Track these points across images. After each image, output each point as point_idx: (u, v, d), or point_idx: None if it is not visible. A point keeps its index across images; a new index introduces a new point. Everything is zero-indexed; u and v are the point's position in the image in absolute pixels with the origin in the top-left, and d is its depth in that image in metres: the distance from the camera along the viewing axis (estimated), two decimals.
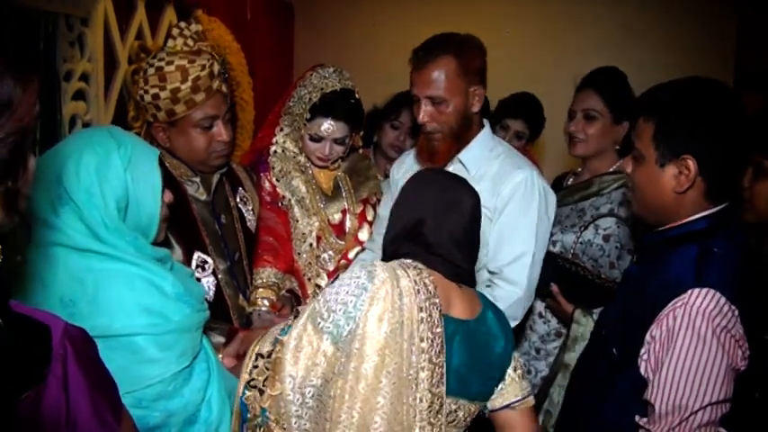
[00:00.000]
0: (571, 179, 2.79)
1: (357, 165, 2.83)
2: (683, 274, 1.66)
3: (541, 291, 2.47)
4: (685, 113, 1.72)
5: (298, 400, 1.55)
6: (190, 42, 2.25)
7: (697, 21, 4.44)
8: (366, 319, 1.52)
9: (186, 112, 2.21)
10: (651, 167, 1.76)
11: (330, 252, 2.66)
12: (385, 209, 2.65)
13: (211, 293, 2.29)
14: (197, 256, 2.27)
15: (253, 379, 1.62)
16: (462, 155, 2.42)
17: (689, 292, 1.60)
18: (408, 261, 1.67)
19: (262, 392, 1.60)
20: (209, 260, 2.27)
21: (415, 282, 1.59)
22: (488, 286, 2.30)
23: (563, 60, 4.47)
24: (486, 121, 2.49)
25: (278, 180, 2.61)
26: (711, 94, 1.74)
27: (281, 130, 2.65)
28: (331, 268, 2.68)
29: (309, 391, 1.55)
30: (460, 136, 2.38)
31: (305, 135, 2.57)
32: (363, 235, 2.75)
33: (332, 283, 1.65)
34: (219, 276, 2.32)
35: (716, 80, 1.78)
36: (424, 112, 2.33)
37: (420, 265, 1.66)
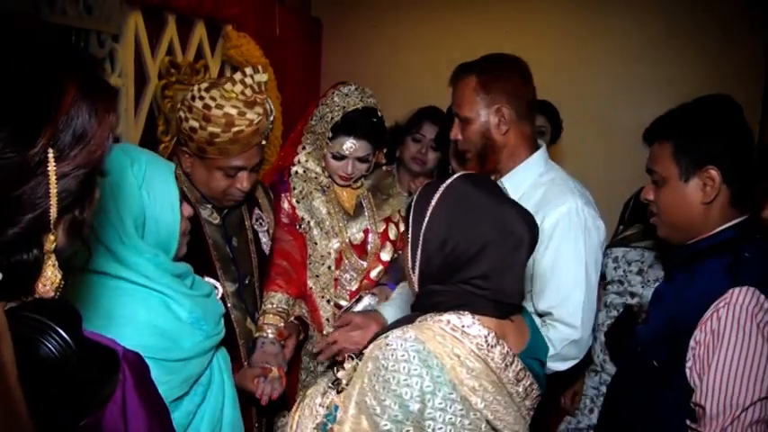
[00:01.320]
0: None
1: (381, 182, 2.80)
2: (719, 279, 1.68)
3: (612, 347, 2.45)
4: (701, 127, 1.77)
5: None
6: (248, 92, 2.13)
7: (726, 35, 4.38)
8: (425, 408, 1.41)
9: (217, 156, 2.15)
10: (675, 185, 1.79)
11: (352, 272, 2.63)
12: None
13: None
14: (207, 280, 2.23)
15: None
16: (507, 177, 2.32)
17: (730, 291, 1.62)
18: (453, 319, 1.49)
19: None
20: (219, 286, 2.24)
21: (473, 351, 1.45)
22: (543, 325, 2.18)
23: (591, 80, 4.46)
24: (542, 143, 2.39)
25: (298, 201, 2.59)
26: (721, 106, 1.81)
27: (304, 148, 2.63)
28: (353, 288, 2.65)
29: None
30: (485, 157, 2.31)
31: (327, 154, 2.54)
32: (386, 255, 2.70)
33: (375, 355, 1.48)
34: (228, 300, 2.29)
35: (719, 94, 1.83)
36: (455, 128, 2.35)
37: (467, 320, 1.49)
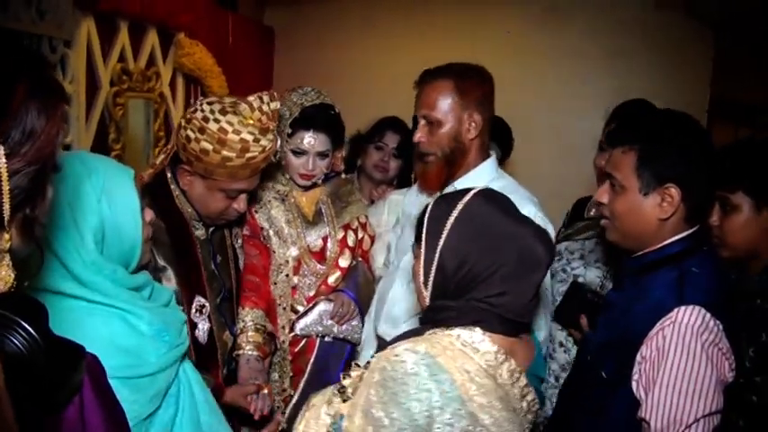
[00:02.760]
0: (594, 210, 2.80)
1: (340, 189, 2.83)
2: (667, 296, 1.70)
3: (566, 321, 2.48)
4: (667, 143, 1.77)
5: None
6: (263, 119, 2.15)
7: (674, 52, 4.54)
8: (433, 422, 1.41)
9: (224, 179, 2.16)
10: (633, 197, 1.79)
11: (311, 277, 2.66)
12: (394, 238, 2.66)
13: (205, 336, 2.27)
14: (197, 300, 2.25)
15: None
16: (459, 182, 2.34)
17: (675, 310, 1.64)
18: (464, 334, 1.50)
19: None
20: (207, 304, 2.26)
21: (482, 367, 1.47)
22: None
23: (543, 90, 4.55)
24: (492, 152, 2.46)
25: (256, 211, 2.62)
26: (687, 125, 1.82)
27: None
28: (311, 294, 2.68)
29: None
30: (453, 161, 2.34)
31: (287, 152, 2.58)
32: (344, 261, 2.74)
33: (381, 366, 1.47)
34: (212, 315, 2.30)
35: (682, 112, 1.86)
36: (419, 131, 2.35)
37: (478, 336, 1.50)
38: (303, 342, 2.68)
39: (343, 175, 2.88)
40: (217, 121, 2.08)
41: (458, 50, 4.28)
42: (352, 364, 1.68)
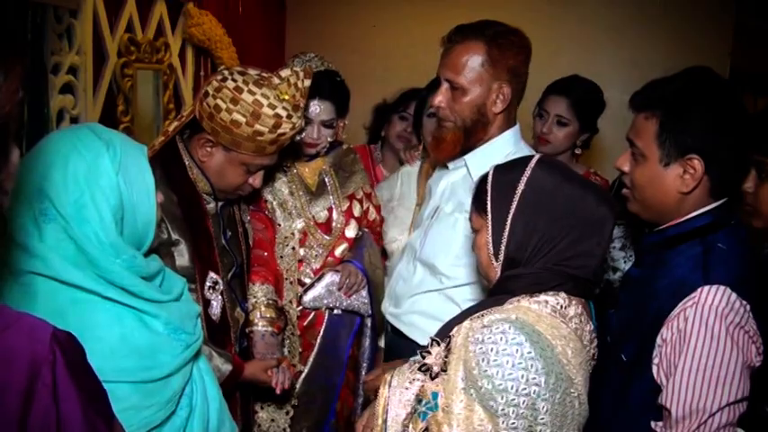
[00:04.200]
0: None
1: (342, 159, 2.79)
2: (690, 274, 1.61)
3: None
4: (690, 111, 1.65)
5: None
6: (297, 96, 2.12)
7: (693, 21, 4.42)
8: (547, 390, 1.41)
9: (250, 153, 2.11)
10: (653, 167, 1.69)
11: (317, 249, 2.64)
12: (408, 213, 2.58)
13: (218, 313, 2.23)
14: (210, 276, 2.21)
15: None
16: (471, 156, 2.23)
17: (699, 290, 1.55)
18: (551, 300, 1.52)
19: None
20: (220, 280, 2.21)
21: (572, 330, 1.50)
22: None
23: (557, 61, 4.45)
24: (516, 124, 2.27)
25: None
26: (714, 90, 1.69)
27: None
28: (318, 266, 2.66)
29: None
30: (471, 132, 2.17)
31: None
32: (350, 232, 2.72)
33: (477, 338, 1.46)
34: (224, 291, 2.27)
35: (713, 72, 1.73)
36: (441, 95, 2.16)
37: (563, 300, 1.53)
38: (312, 315, 2.66)
39: (344, 145, 2.83)
40: (252, 93, 2.02)
41: (472, 19, 4.23)
42: (430, 340, 1.62)
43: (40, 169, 1.38)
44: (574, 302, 1.54)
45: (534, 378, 1.40)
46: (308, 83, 2.14)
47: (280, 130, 2.06)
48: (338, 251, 2.69)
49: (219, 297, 2.23)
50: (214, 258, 2.23)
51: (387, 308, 2.47)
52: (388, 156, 3.40)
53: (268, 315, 2.40)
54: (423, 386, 1.55)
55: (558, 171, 1.62)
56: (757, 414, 1.73)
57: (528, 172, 1.59)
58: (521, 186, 1.57)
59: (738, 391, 1.51)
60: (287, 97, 2.07)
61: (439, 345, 1.58)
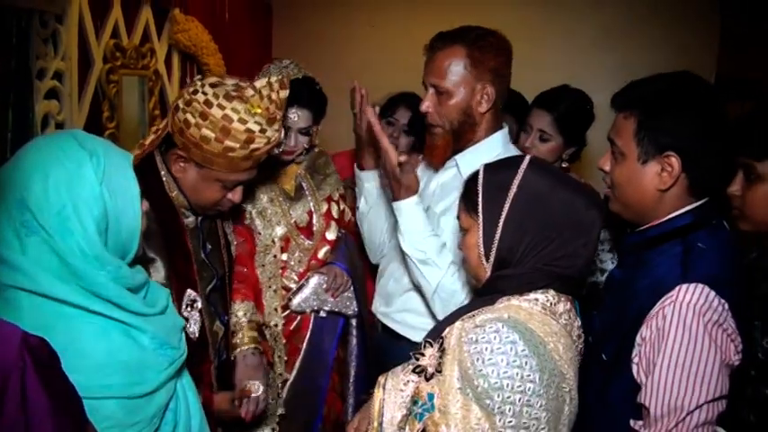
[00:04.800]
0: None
1: (315, 162, 2.79)
2: (669, 272, 1.62)
3: None
4: (668, 110, 1.68)
5: None
6: (271, 108, 2.00)
7: (679, 26, 4.46)
8: (542, 386, 1.43)
9: (223, 170, 2.01)
10: (632, 165, 1.71)
11: (300, 254, 2.65)
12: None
13: (196, 330, 2.16)
14: (188, 293, 2.13)
15: None
16: (461, 156, 2.27)
17: (677, 288, 1.56)
18: (541, 298, 1.55)
19: None
20: (198, 297, 2.15)
21: (562, 327, 1.53)
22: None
23: (543, 70, 4.47)
24: (505, 125, 2.33)
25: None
26: (693, 90, 1.72)
27: None
28: (302, 270, 2.67)
29: None
30: (460, 134, 2.22)
31: None
32: (331, 234, 2.74)
33: (471, 338, 1.47)
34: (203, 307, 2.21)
35: (695, 75, 1.75)
36: (427, 100, 2.22)
37: (553, 298, 1.56)
38: (297, 319, 2.67)
39: (316, 149, 2.83)
40: (221, 107, 1.90)
41: (458, 25, 4.23)
42: (423, 341, 1.63)
43: (21, 179, 1.33)
44: (562, 299, 1.56)
45: (529, 375, 1.41)
46: (284, 94, 2.05)
47: (253, 146, 1.96)
48: (320, 254, 2.71)
49: (197, 315, 2.16)
50: (192, 275, 2.16)
51: (377, 307, 2.48)
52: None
53: (249, 335, 2.37)
54: (418, 387, 1.55)
55: (550, 174, 1.64)
56: (738, 415, 1.74)
57: (520, 173, 1.60)
58: (513, 188, 1.58)
59: (717, 388, 1.52)
60: (259, 111, 1.96)
61: (432, 346, 1.58)
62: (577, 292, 1.65)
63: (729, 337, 1.55)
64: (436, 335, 1.61)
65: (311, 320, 2.69)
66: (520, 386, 1.41)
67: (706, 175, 1.69)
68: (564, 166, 2.95)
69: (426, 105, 2.22)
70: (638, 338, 1.62)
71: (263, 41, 4.99)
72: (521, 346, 1.43)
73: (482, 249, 1.62)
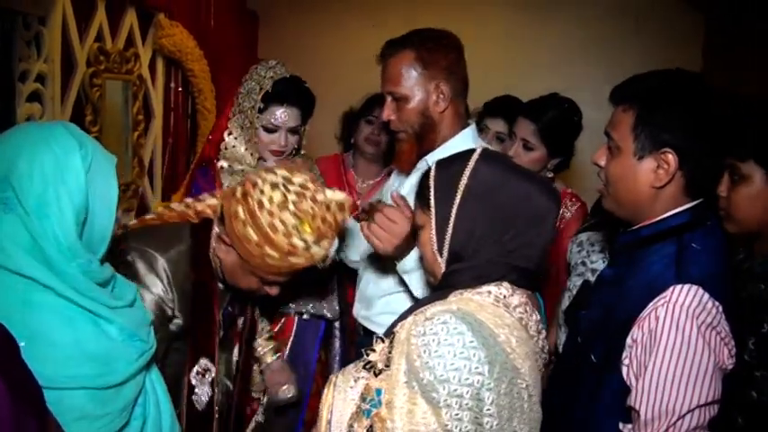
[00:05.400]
0: None
1: (301, 167, 2.75)
2: (662, 273, 1.58)
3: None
4: (668, 105, 1.64)
5: None
6: (323, 228, 1.87)
7: (665, 40, 4.49)
8: (491, 379, 1.39)
9: (259, 270, 1.91)
10: (628, 160, 1.67)
11: None
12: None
13: (203, 405, 2.07)
14: (201, 362, 2.05)
15: None
16: (431, 156, 2.21)
17: (670, 289, 1.52)
18: (494, 290, 1.51)
19: None
20: (212, 368, 2.07)
21: (516, 320, 1.48)
22: None
23: (530, 76, 4.49)
24: (471, 122, 2.34)
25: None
26: (694, 87, 1.68)
27: (230, 133, 2.55)
28: None
29: None
30: (423, 136, 2.21)
31: (258, 128, 2.49)
32: None
33: (419, 331, 1.43)
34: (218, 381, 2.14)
35: (695, 73, 1.73)
36: (387, 108, 2.23)
37: (507, 290, 1.51)
38: (282, 322, 2.65)
39: (302, 151, 2.80)
40: (271, 214, 1.80)
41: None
42: (374, 338, 1.59)
43: (7, 157, 1.32)
44: (518, 293, 1.52)
45: (477, 367, 1.37)
46: (341, 216, 1.93)
47: (293, 259, 1.85)
48: None
49: (208, 386, 2.07)
50: (211, 345, 2.07)
51: (358, 311, 2.47)
52: (359, 161, 3.39)
53: (271, 345, 2.43)
54: (367, 384, 1.50)
55: (501, 164, 1.61)
56: (731, 419, 1.72)
57: (471, 165, 1.57)
58: (464, 181, 1.56)
59: (710, 393, 1.49)
60: (308, 231, 1.84)
61: (383, 342, 1.55)
62: (534, 285, 1.62)
63: (723, 341, 1.53)
64: (390, 331, 1.57)
65: (294, 323, 2.67)
66: (468, 378, 1.37)
67: (702, 175, 1.67)
68: (549, 176, 2.93)
69: (387, 114, 2.23)
70: (628, 340, 1.58)
71: (248, 47, 4.96)
72: (468, 337, 1.38)
73: (435, 245, 1.59)
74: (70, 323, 1.33)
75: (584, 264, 2.56)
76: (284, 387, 2.40)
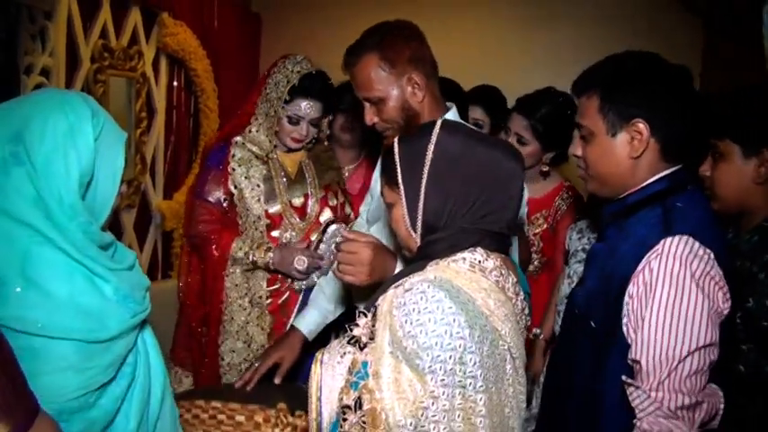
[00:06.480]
0: None
1: (321, 154, 2.89)
2: (651, 231, 1.63)
3: None
4: (628, 79, 1.73)
5: None
6: None
7: (663, 43, 4.49)
8: (473, 342, 1.41)
9: None
10: (602, 140, 1.74)
11: (292, 233, 2.69)
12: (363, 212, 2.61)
13: None
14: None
15: None
16: None
17: (662, 241, 1.58)
18: (468, 256, 1.52)
19: None
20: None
21: (493, 283, 1.51)
22: None
23: (527, 75, 4.53)
24: (452, 105, 2.30)
25: (239, 165, 2.65)
26: (646, 59, 1.76)
27: (256, 119, 2.67)
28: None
29: None
30: (409, 128, 2.15)
31: (282, 118, 2.61)
32: (324, 218, 2.79)
33: (400, 302, 1.46)
34: None
35: (650, 52, 1.79)
36: (368, 114, 2.21)
37: (480, 255, 1.53)
38: (286, 295, 2.69)
39: (326, 142, 2.92)
40: None
41: (444, 28, 4.27)
42: (357, 312, 1.61)
43: (21, 116, 1.38)
44: (492, 257, 1.54)
45: (458, 332, 1.40)
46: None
47: None
48: (313, 236, 2.73)
49: None
50: None
51: (358, 303, 2.47)
52: (337, 150, 3.35)
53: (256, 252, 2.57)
54: (354, 358, 1.53)
55: (464, 134, 1.63)
56: (734, 371, 1.77)
57: (434, 138, 1.59)
58: (429, 154, 1.57)
59: (707, 335, 1.53)
60: None
61: (366, 316, 1.56)
62: (506, 248, 1.65)
63: (717, 285, 1.57)
64: (372, 305, 1.59)
65: (300, 296, 2.71)
66: (450, 344, 1.39)
67: (675, 137, 1.72)
68: (544, 170, 2.99)
69: (369, 119, 2.22)
70: (625, 298, 1.62)
71: (251, 48, 5.01)
72: (447, 303, 1.41)
73: (408, 221, 1.61)
74: (66, 276, 1.36)
75: (584, 250, 2.58)
76: (295, 260, 2.54)
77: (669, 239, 1.57)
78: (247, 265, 2.58)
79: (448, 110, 2.25)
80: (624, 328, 1.62)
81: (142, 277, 1.61)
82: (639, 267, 1.59)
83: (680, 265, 1.54)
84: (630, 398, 1.57)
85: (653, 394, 1.52)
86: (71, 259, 1.38)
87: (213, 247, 2.60)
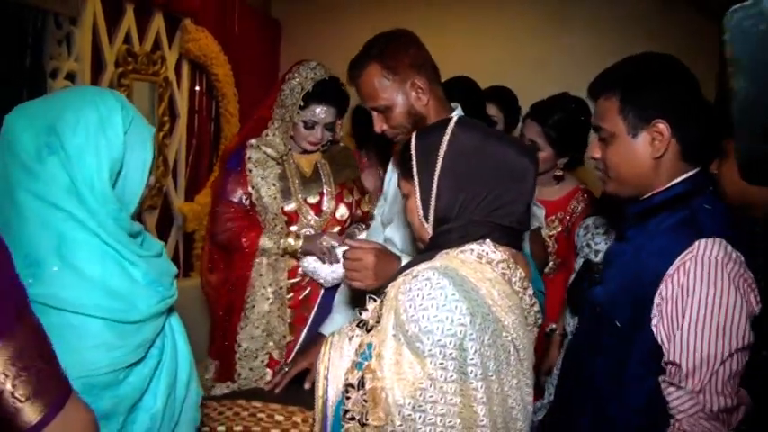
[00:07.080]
0: None
1: (337, 154, 2.95)
2: (680, 232, 1.64)
3: (577, 301, 2.48)
4: (647, 80, 1.74)
5: (410, 428, 1.46)
6: None
7: (681, 44, 4.49)
8: (474, 330, 1.44)
9: None
10: (623, 141, 1.75)
11: (309, 230, 2.75)
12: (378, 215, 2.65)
13: None
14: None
15: (348, 410, 1.52)
16: None
17: (696, 243, 1.58)
18: (476, 247, 1.55)
19: (363, 424, 1.50)
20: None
21: (499, 274, 1.53)
22: None
23: (542, 79, 4.55)
24: (457, 105, 2.32)
25: (255, 167, 2.72)
26: (667, 61, 1.78)
27: (273, 123, 2.74)
28: None
29: (420, 416, 1.45)
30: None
31: (298, 123, 2.68)
32: (340, 214, 2.85)
33: (406, 288, 1.50)
34: None
35: (667, 54, 1.81)
36: (377, 122, 2.26)
37: (489, 247, 1.56)
38: (308, 290, 2.76)
39: (341, 143, 3.00)
40: None
41: (461, 37, 4.31)
42: (367, 297, 1.65)
43: (55, 109, 1.45)
44: (500, 249, 1.57)
45: (460, 318, 1.43)
46: None
47: None
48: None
49: None
50: None
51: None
52: (374, 157, 3.45)
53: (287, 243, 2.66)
54: (361, 340, 1.58)
55: (478, 129, 1.67)
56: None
57: (449, 132, 1.63)
58: (443, 148, 1.61)
59: (745, 337, 1.54)
60: None
61: (375, 301, 1.62)
62: (517, 242, 1.67)
63: (750, 287, 1.59)
64: (381, 291, 1.64)
65: (321, 292, 2.77)
66: (450, 329, 1.42)
67: (695, 138, 1.74)
68: (558, 174, 3.02)
69: (378, 127, 2.26)
70: (656, 299, 1.63)
71: (271, 54, 5.08)
72: (450, 290, 1.44)
73: (421, 211, 1.65)
74: (98, 259, 1.43)
75: (588, 246, 2.61)
76: (322, 240, 2.64)
77: (704, 242, 1.58)
78: (276, 254, 2.65)
79: (453, 110, 2.28)
80: (654, 329, 1.63)
81: (170, 265, 1.67)
82: (672, 269, 1.61)
83: (716, 267, 1.56)
84: (669, 398, 1.58)
85: (698, 396, 1.53)
86: (103, 243, 1.44)
87: (243, 240, 2.67)
